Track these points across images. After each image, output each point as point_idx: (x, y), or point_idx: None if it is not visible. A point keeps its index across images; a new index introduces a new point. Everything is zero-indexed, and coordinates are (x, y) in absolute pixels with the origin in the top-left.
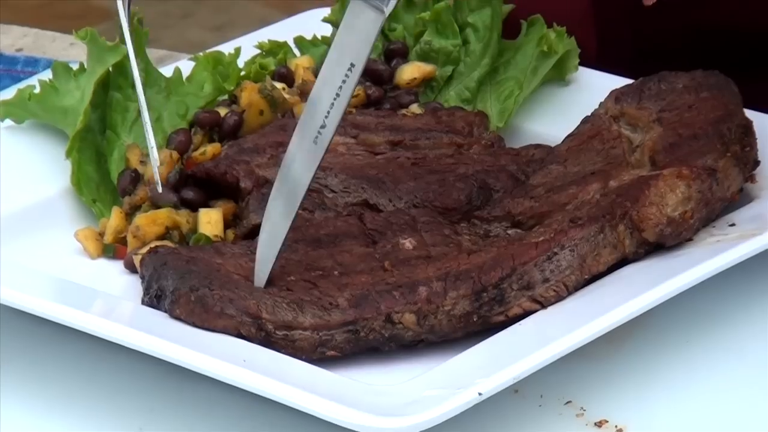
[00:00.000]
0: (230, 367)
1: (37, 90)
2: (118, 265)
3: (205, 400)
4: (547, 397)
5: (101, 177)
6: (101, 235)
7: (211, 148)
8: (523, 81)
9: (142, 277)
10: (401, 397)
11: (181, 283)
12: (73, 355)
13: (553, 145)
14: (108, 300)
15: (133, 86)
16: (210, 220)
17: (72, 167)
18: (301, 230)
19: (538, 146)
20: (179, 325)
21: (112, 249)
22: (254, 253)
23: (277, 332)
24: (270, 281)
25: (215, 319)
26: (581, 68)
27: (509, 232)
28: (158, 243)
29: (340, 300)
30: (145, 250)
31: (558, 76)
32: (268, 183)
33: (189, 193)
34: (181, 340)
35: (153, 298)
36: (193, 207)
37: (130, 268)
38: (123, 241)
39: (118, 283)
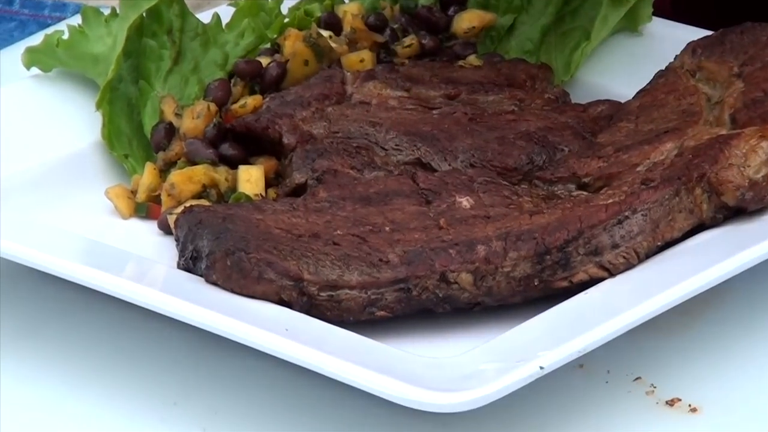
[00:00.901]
0: (271, 337)
1: (66, 36)
2: (151, 226)
3: (242, 370)
4: (615, 373)
5: (133, 130)
6: (133, 193)
7: (251, 101)
8: (591, 31)
9: (177, 239)
10: (456, 370)
11: (216, 246)
12: (103, 322)
13: (622, 101)
14: (140, 262)
15: (169, 32)
16: (250, 178)
17: (102, 119)
18: (349, 188)
19: (606, 102)
20: (216, 291)
21: (145, 208)
22: (298, 209)
23: (321, 294)
24: (315, 235)
25: (253, 284)
26: (655, 18)
27: (574, 194)
28: (194, 202)
29: (391, 256)
30: (180, 209)
31: (630, 26)
32: (313, 138)
33: (228, 149)
34: (218, 307)
35: (189, 261)
36: (233, 164)
37: (164, 228)
38: (157, 200)
39: (151, 244)
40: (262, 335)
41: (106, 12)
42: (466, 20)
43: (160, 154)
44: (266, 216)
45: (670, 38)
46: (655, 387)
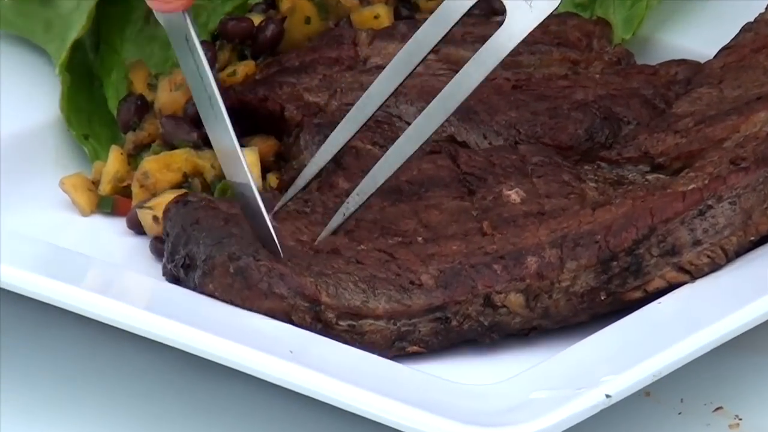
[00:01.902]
0: (275, 362)
1: None
2: (117, 224)
3: (238, 397)
4: (690, 402)
5: (94, 106)
6: (95, 184)
7: (243, 67)
8: None
9: (166, 236)
10: (503, 401)
11: (217, 250)
12: (67, 342)
13: (701, 61)
14: (107, 271)
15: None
16: None
17: (62, 88)
18: None
19: (681, 63)
20: (207, 305)
21: (110, 203)
22: (315, 210)
23: (340, 323)
24: (335, 250)
25: (260, 298)
26: None
27: (648, 177)
28: (173, 193)
29: (425, 277)
30: (156, 202)
31: None
32: (321, 112)
33: None
34: (208, 325)
35: (179, 268)
36: None
37: (135, 227)
38: (124, 192)
39: (119, 247)
40: (265, 360)
41: None
42: None
43: (129, 136)
44: (278, 222)
45: None
46: (740, 419)
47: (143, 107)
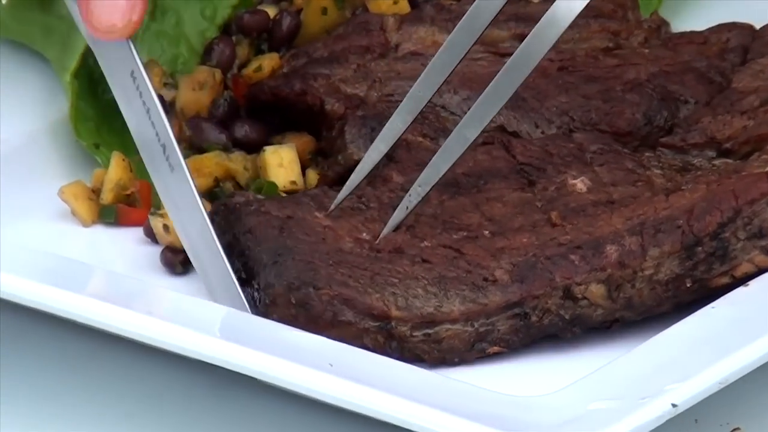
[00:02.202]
0: (315, 375)
1: None
2: (120, 234)
3: (256, 410)
4: (705, 423)
5: (100, 112)
6: (95, 192)
7: (268, 61)
8: None
9: None
10: (558, 413)
11: (276, 278)
12: (91, 360)
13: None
14: (119, 282)
15: None
16: (282, 162)
17: (70, 97)
18: None
19: (732, 27)
20: (241, 319)
21: (113, 212)
22: (369, 206)
23: (415, 334)
24: (398, 249)
25: (327, 328)
26: None
27: (715, 162)
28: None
29: (498, 272)
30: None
31: None
32: (363, 104)
33: (243, 129)
34: (236, 336)
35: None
36: (250, 147)
37: (152, 236)
38: (127, 200)
39: (128, 259)
40: (304, 374)
41: None
42: None
43: None
44: (333, 221)
45: None
46: None
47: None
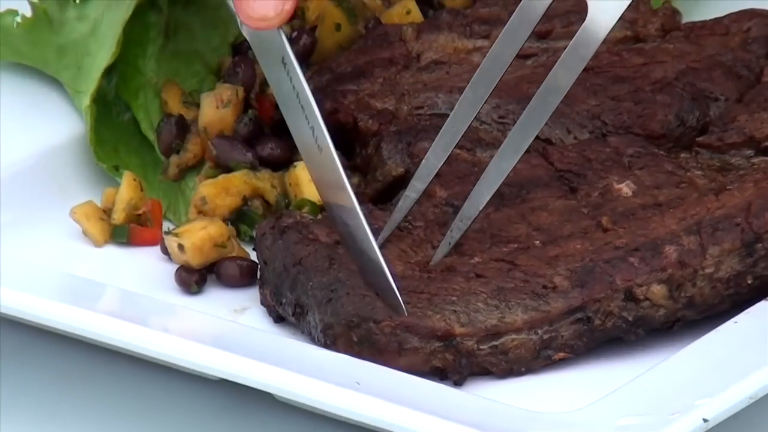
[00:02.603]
0: (343, 394)
1: (19, 19)
2: (133, 254)
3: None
4: None
5: (118, 134)
6: (106, 212)
7: None
8: None
9: (263, 264)
10: (586, 429)
11: (333, 317)
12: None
13: None
14: (134, 300)
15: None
16: None
17: (89, 121)
18: (471, 180)
19: (751, 14)
20: (267, 339)
21: (125, 232)
22: (416, 225)
23: (481, 347)
24: (450, 269)
25: (394, 358)
26: None
27: (754, 161)
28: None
29: (557, 279)
30: (183, 229)
31: None
32: (395, 118)
33: (269, 147)
34: (259, 354)
35: (288, 313)
36: (276, 165)
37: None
38: (139, 220)
39: (145, 279)
40: (333, 393)
41: None
42: None
43: (174, 159)
44: (381, 245)
45: None
46: None
47: (183, 127)
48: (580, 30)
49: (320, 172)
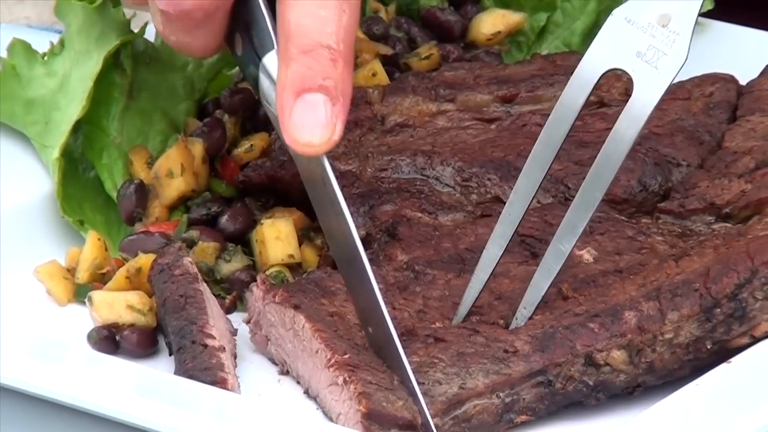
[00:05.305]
0: None
1: None
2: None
3: None
4: None
5: (83, 190)
6: (70, 271)
7: (258, 141)
8: None
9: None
10: None
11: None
12: None
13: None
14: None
15: (115, 58)
16: (279, 235)
17: (57, 175)
18: (432, 246)
19: (713, 79)
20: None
21: (89, 292)
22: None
23: (445, 419)
24: (411, 331)
25: None
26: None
27: (714, 227)
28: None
29: (518, 344)
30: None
31: None
32: (358, 180)
33: (230, 224)
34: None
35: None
36: (242, 235)
37: None
38: (102, 279)
39: None
40: None
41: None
42: (489, 23)
43: (137, 227)
44: (337, 303)
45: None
46: None
47: (143, 193)
48: (624, 110)
49: (353, 286)
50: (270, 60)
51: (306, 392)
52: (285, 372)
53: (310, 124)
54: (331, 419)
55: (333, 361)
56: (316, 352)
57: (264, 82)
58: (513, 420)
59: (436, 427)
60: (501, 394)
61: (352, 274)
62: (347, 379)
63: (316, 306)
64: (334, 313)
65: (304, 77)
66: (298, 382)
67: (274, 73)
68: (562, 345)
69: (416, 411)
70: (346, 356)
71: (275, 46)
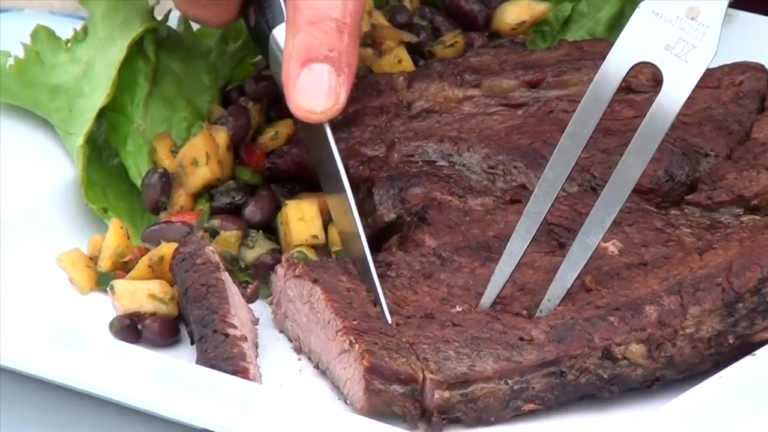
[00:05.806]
0: None
1: (12, 62)
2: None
3: None
4: None
5: (107, 178)
6: (92, 259)
7: (283, 128)
8: None
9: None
10: None
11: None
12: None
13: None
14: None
15: (139, 45)
16: (303, 216)
17: (81, 161)
18: (461, 232)
19: (744, 68)
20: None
21: (111, 280)
22: (401, 273)
23: (452, 393)
24: (428, 315)
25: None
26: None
27: (743, 219)
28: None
29: (535, 332)
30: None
31: None
32: (386, 165)
33: (254, 212)
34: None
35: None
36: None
37: None
38: (125, 268)
39: None
40: None
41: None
42: (514, 13)
43: (162, 216)
44: (357, 281)
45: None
46: None
47: (167, 181)
48: (654, 104)
49: (342, 226)
50: (280, 31)
51: (316, 366)
52: (299, 349)
53: (314, 92)
54: (339, 389)
55: (341, 326)
56: (328, 322)
57: (274, 52)
58: (520, 408)
59: (444, 399)
60: (510, 381)
61: (343, 227)
62: (353, 341)
63: (335, 281)
64: (351, 289)
65: (310, 47)
66: (310, 358)
67: (283, 43)
68: (580, 337)
69: (419, 367)
70: (355, 322)
71: (285, 18)
